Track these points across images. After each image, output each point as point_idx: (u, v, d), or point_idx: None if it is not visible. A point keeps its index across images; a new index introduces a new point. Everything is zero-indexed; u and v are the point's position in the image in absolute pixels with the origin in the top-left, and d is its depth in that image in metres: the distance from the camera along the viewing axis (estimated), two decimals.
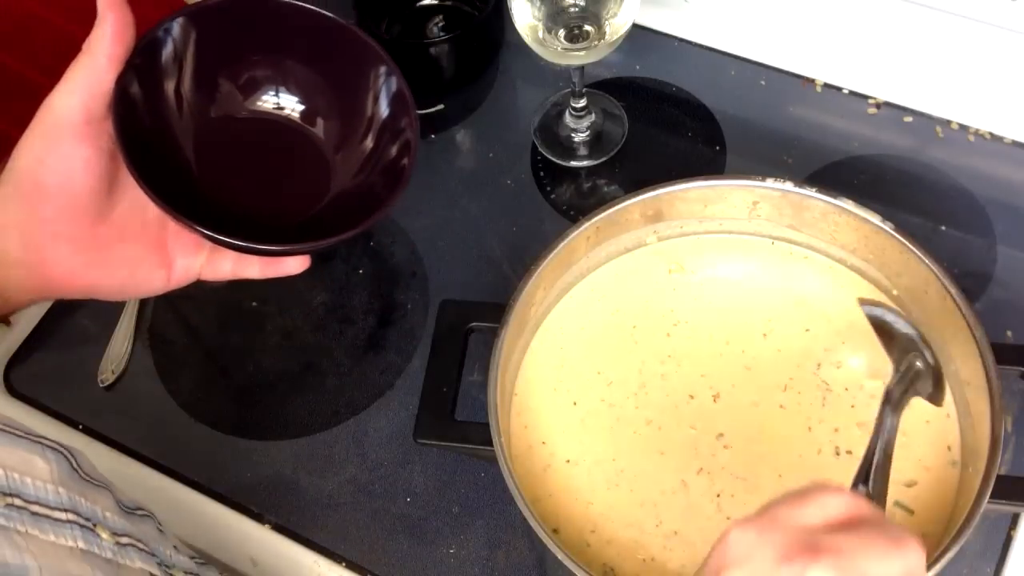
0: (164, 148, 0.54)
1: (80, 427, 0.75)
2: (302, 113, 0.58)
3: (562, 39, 0.73)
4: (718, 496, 0.61)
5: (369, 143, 0.57)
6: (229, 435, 0.74)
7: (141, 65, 0.51)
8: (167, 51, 0.53)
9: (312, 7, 0.57)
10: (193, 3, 0.54)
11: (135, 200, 0.51)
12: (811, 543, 0.39)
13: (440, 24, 0.89)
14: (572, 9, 0.73)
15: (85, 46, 0.49)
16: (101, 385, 0.76)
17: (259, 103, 0.58)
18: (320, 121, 0.58)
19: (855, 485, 0.51)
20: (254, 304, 0.79)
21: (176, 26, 0.53)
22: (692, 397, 0.64)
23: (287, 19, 0.56)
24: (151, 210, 0.51)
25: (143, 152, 0.50)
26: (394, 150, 0.56)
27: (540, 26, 0.73)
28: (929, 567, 0.53)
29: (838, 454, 0.62)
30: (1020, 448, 0.66)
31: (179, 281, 0.55)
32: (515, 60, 0.89)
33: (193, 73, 0.55)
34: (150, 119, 0.53)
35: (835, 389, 0.64)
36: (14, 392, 0.77)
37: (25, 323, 0.79)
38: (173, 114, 0.54)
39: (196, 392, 0.76)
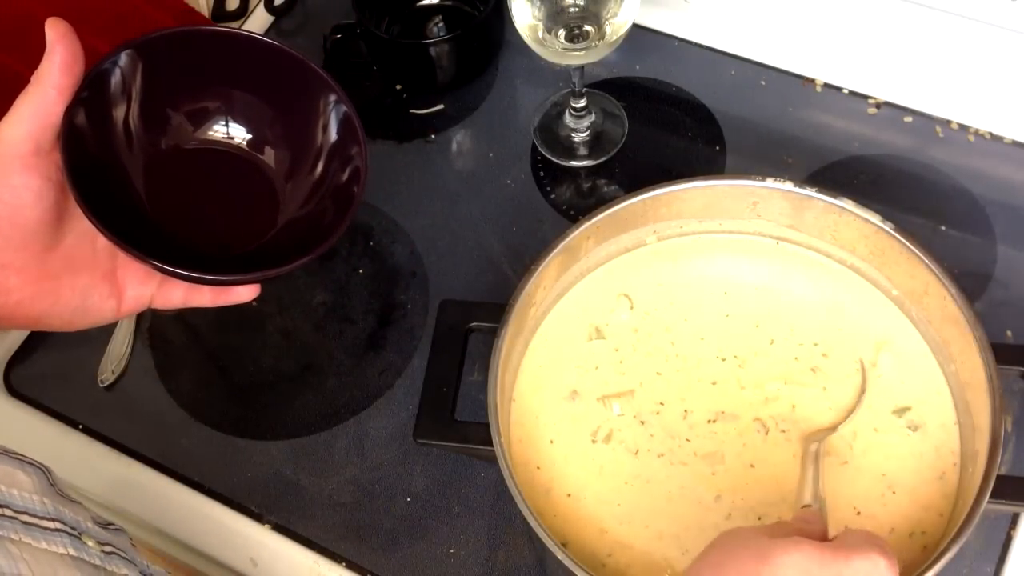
0: (113, 179, 0.54)
1: (80, 427, 0.75)
2: (251, 142, 0.58)
3: (562, 39, 0.73)
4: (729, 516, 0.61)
5: (318, 171, 0.58)
6: (229, 435, 0.74)
7: (89, 96, 0.51)
8: (115, 82, 0.53)
9: (260, 36, 0.57)
10: (141, 35, 0.53)
11: (85, 230, 0.51)
12: None
13: (440, 24, 0.89)
14: (572, 9, 0.73)
15: (34, 77, 0.49)
16: (101, 385, 0.76)
17: (209, 133, 0.58)
18: (270, 150, 0.58)
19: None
20: (254, 304, 0.78)
21: (124, 57, 0.53)
22: (686, 395, 0.65)
23: (235, 49, 0.56)
24: (101, 240, 0.51)
25: (92, 183, 0.50)
26: (343, 177, 0.57)
27: (540, 26, 0.73)
28: (929, 567, 0.54)
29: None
30: (1020, 448, 0.66)
31: (130, 310, 0.55)
32: (515, 60, 0.89)
33: (141, 104, 0.55)
34: (99, 150, 0.53)
35: (829, 391, 0.64)
36: (14, 392, 0.77)
37: None
38: (122, 145, 0.54)
39: (196, 392, 0.76)
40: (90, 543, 0.46)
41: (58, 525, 0.45)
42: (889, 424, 0.62)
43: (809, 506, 0.55)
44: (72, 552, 0.44)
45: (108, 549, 0.47)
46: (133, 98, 0.54)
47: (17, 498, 0.44)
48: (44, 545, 0.43)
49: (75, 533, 0.45)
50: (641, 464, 0.62)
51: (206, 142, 0.58)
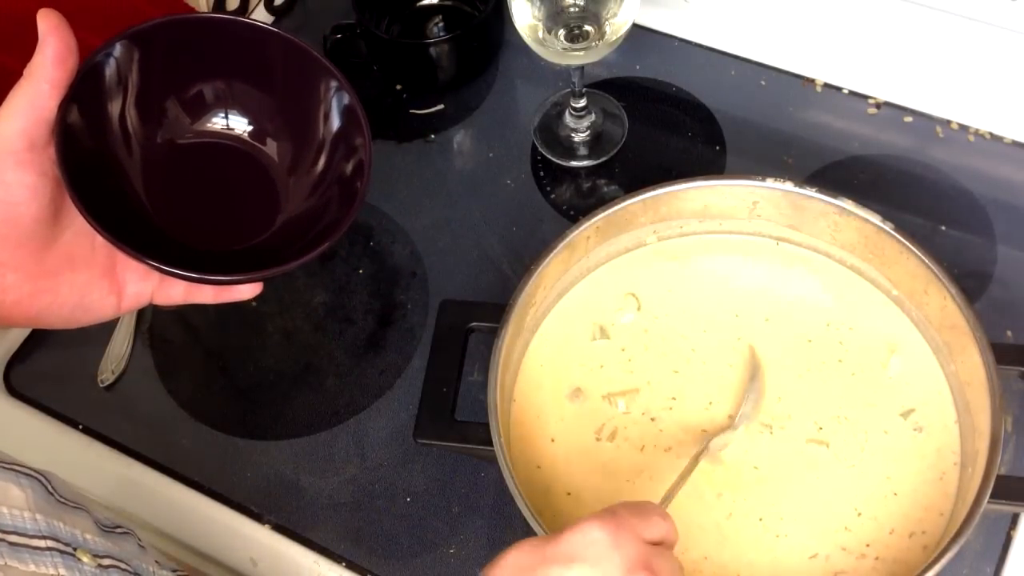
0: (110, 175, 0.53)
1: (80, 427, 0.75)
2: (252, 134, 0.57)
3: (562, 39, 0.73)
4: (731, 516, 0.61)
5: (321, 164, 0.56)
6: (229, 435, 0.74)
7: (83, 90, 0.50)
8: (110, 74, 0.52)
9: (255, 22, 0.55)
10: (134, 25, 0.52)
11: (83, 226, 0.50)
12: (648, 562, 0.47)
13: (440, 24, 0.89)
14: (572, 9, 0.73)
15: (26, 71, 0.48)
16: (101, 385, 0.76)
17: (208, 125, 0.56)
18: (272, 142, 0.57)
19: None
20: (254, 304, 0.79)
21: (118, 48, 0.52)
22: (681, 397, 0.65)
23: (232, 36, 0.55)
24: (100, 236, 0.50)
25: (88, 180, 0.49)
26: (347, 170, 0.55)
27: (540, 26, 0.73)
28: (929, 567, 0.54)
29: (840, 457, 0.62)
30: (1020, 448, 0.66)
31: (130, 307, 0.54)
32: (515, 60, 0.89)
33: (137, 96, 0.53)
34: (94, 145, 0.51)
35: (829, 391, 0.64)
36: (14, 392, 0.77)
37: None
38: (118, 139, 0.53)
39: (196, 392, 0.76)
40: (85, 559, 0.45)
41: (50, 543, 0.44)
42: (897, 427, 0.62)
43: None
44: (63, 572, 0.44)
45: (107, 562, 0.46)
46: (129, 90, 0.53)
47: (7, 516, 0.43)
48: (32, 567, 0.42)
49: (69, 549, 0.45)
50: (646, 460, 0.62)
51: (205, 134, 0.56)
